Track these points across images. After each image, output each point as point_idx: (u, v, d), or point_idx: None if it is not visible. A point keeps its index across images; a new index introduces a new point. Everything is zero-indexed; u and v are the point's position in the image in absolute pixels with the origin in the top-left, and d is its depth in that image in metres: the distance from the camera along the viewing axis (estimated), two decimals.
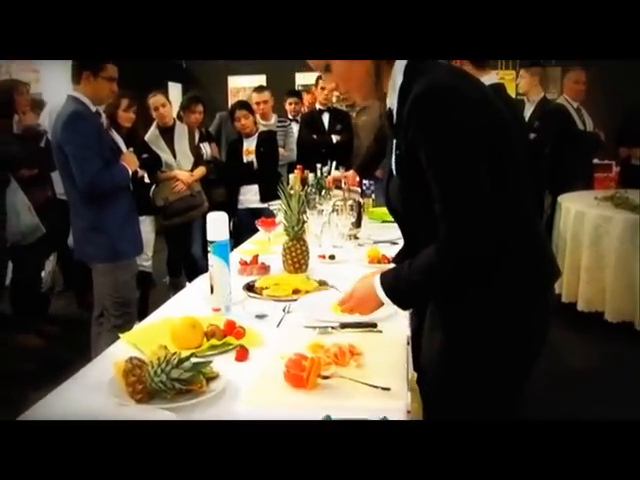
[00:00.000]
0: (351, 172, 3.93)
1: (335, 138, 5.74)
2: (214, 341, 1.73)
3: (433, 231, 1.41)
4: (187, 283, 4.89)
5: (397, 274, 1.54)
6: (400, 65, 1.48)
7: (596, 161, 5.88)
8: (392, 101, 1.53)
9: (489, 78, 2.68)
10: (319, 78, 5.73)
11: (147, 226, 4.58)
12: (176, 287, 4.90)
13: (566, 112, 5.54)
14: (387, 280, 1.54)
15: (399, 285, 1.52)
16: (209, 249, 2.00)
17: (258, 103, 5.60)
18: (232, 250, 2.21)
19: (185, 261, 5.17)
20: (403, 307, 1.61)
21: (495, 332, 1.47)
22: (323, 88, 5.73)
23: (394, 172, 1.56)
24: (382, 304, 1.59)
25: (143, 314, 3.81)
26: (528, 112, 5.57)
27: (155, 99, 4.89)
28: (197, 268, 4.77)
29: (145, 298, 4.70)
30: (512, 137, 1.47)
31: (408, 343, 1.79)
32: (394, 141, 1.52)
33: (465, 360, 1.50)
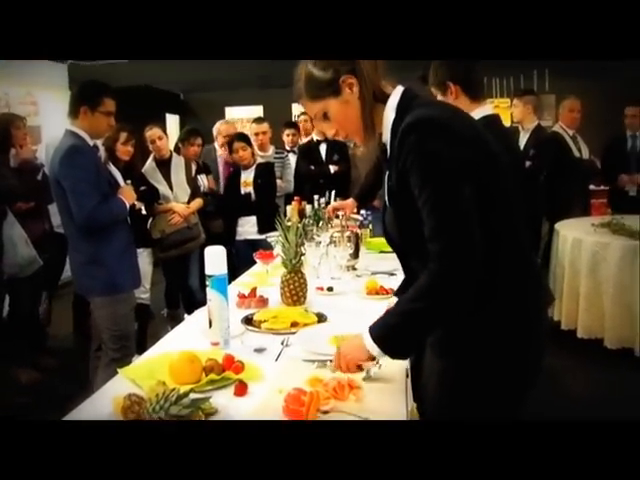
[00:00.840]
0: (350, 200, 3.96)
1: (333, 168, 5.78)
2: (213, 376, 1.73)
3: (424, 257, 1.44)
4: (185, 315, 4.90)
5: (385, 321, 1.54)
6: (392, 103, 1.54)
7: (592, 187, 5.91)
8: (386, 137, 1.58)
9: (484, 109, 2.71)
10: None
11: (145, 258, 4.59)
12: (174, 319, 4.90)
13: (562, 140, 5.60)
14: (375, 330, 1.53)
15: (389, 332, 1.51)
16: (207, 283, 2.01)
17: (257, 134, 5.66)
18: (230, 282, 2.21)
19: (183, 293, 5.17)
20: (399, 355, 1.56)
21: (491, 360, 1.49)
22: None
23: (387, 203, 1.60)
24: (372, 358, 1.57)
25: (141, 347, 3.81)
26: (523, 140, 5.62)
27: (152, 132, 4.94)
28: (195, 300, 4.78)
29: (143, 330, 4.68)
30: (501, 170, 1.50)
31: (407, 375, 1.79)
32: (387, 173, 1.56)
33: (463, 388, 1.53)
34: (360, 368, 1.63)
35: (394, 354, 1.53)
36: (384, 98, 1.56)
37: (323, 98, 1.57)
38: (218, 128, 5.87)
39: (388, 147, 1.56)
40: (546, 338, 1.56)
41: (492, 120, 2.70)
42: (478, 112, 2.65)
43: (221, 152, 5.77)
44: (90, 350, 3.60)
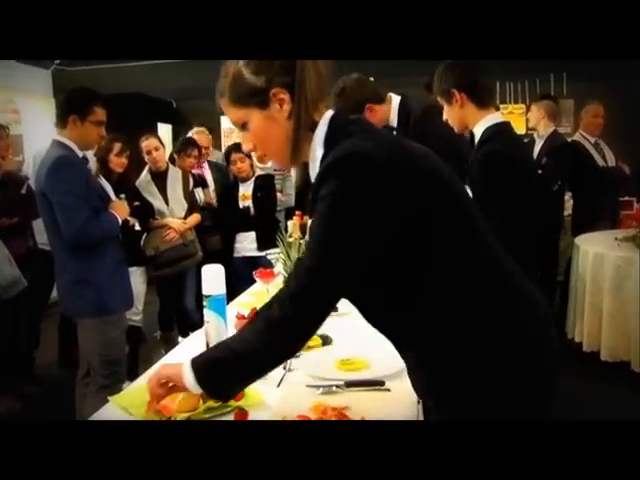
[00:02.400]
0: None
1: None
2: (211, 403, 1.72)
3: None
4: (180, 338, 4.89)
5: (211, 355, 1.50)
6: (320, 134, 1.44)
7: (622, 198, 5.89)
8: (313, 173, 1.46)
9: (493, 117, 2.72)
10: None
11: (137, 277, 4.60)
12: (168, 342, 4.90)
13: (582, 149, 5.60)
14: (198, 361, 1.48)
15: (212, 368, 1.46)
16: (204, 304, 2.01)
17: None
18: (228, 303, 2.22)
19: (177, 314, 5.17)
20: (217, 396, 1.52)
21: (491, 395, 1.43)
22: None
23: None
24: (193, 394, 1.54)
25: (133, 372, 3.81)
26: (537, 148, 5.62)
27: (148, 142, 4.96)
28: (190, 322, 4.79)
29: (135, 354, 4.69)
30: (455, 197, 1.42)
31: (419, 401, 1.79)
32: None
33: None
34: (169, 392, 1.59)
35: (211, 393, 1.49)
36: (313, 126, 1.44)
37: (246, 106, 1.45)
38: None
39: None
40: (556, 359, 1.52)
41: (502, 128, 2.71)
42: (487, 120, 2.67)
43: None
44: (77, 377, 3.58)
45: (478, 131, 2.71)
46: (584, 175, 5.44)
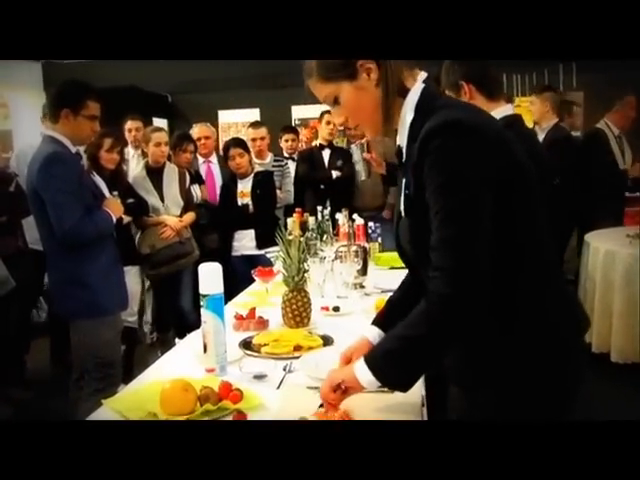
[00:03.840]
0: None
1: (335, 174, 5.81)
2: (208, 406, 1.74)
3: None
4: (177, 339, 4.90)
5: (382, 347, 1.54)
6: (412, 101, 1.54)
7: (626, 194, 5.87)
8: (402, 138, 1.58)
9: (504, 109, 2.73)
10: (325, 112, 5.85)
11: (132, 277, 4.61)
12: (164, 344, 4.90)
13: (602, 137, 5.53)
14: (371, 356, 1.53)
15: (386, 360, 1.50)
16: (201, 303, 2.02)
17: (254, 139, 5.70)
18: (226, 303, 2.23)
19: (174, 315, 5.18)
20: (397, 386, 1.55)
21: (527, 389, 1.47)
22: (329, 122, 5.86)
23: (402, 213, 1.60)
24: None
25: (128, 375, 3.81)
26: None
27: (159, 135, 4.97)
28: (187, 322, 4.79)
29: (130, 357, 4.70)
30: (527, 179, 1.50)
31: (423, 405, 1.80)
32: (403, 180, 1.56)
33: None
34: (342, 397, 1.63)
35: (391, 384, 1.53)
36: (404, 92, 1.56)
37: (336, 80, 1.56)
38: (191, 132, 5.89)
39: (404, 150, 1.57)
40: (585, 363, 1.55)
41: (513, 121, 2.71)
42: (497, 113, 2.67)
43: (202, 160, 5.85)
44: (70, 380, 3.58)
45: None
46: (599, 166, 5.39)
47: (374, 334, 1.84)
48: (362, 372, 1.52)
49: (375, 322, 1.89)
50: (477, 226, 1.38)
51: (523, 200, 1.48)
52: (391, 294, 1.96)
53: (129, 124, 5.90)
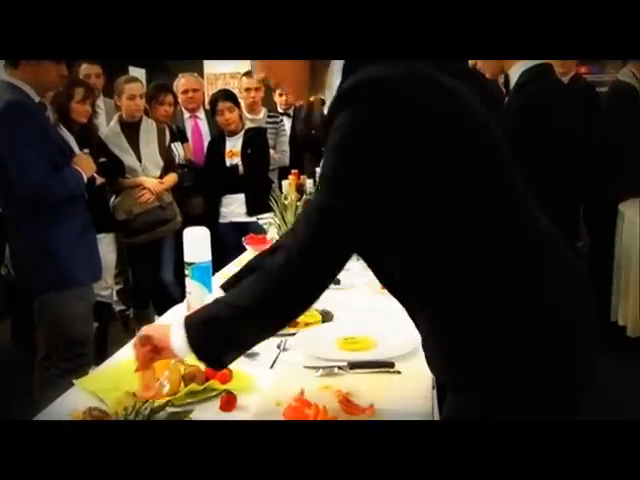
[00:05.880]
0: None
1: None
2: (194, 386, 1.75)
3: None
4: (156, 316, 4.92)
5: (206, 311, 1.52)
6: (338, 63, 1.46)
7: None
8: (329, 105, 1.49)
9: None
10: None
11: (106, 246, 4.63)
12: (142, 321, 4.91)
13: (624, 90, 5.46)
14: (191, 320, 1.50)
15: (208, 325, 1.48)
16: (186, 272, 2.03)
17: (249, 89, 5.69)
18: (213, 274, 2.23)
19: (153, 288, 5.19)
20: (210, 358, 1.52)
21: (525, 372, 1.46)
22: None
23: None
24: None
25: (101, 355, 3.83)
26: None
27: (134, 86, 4.93)
28: (168, 297, 4.80)
29: (103, 335, 4.73)
30: (491, 149, 1.44)
31: (434, 387, 1.82)
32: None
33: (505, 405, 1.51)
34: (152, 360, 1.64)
35: (203, 354, 1.50)
36: None
37: None
38: (176, 83, 5.83)
39: None
40: (596, 333, 1.53)
41: (543, 70, 2.68)
42: (527, 61, 2.65)
43: (187, 114, 5.80)
44: (35, 361, 3.60)
45: (515, 74, 2.70)
46: (629, 124, 5.31)
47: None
48: (176, 333, 1.49)
49: (225, 285, 1.83)
50: (353, 201, 1.34)
51: (483, 172, 1.42)
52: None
53: (85, 69, 5.35)
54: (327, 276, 1.40)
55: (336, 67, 1.47)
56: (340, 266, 1.40)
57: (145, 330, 1.66)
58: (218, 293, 1.79)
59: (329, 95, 1.50)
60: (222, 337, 1.47)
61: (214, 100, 5.31)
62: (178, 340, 1.48)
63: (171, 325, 1.52)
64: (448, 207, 1.38)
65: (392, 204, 1.36)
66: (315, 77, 1.50)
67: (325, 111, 1.50)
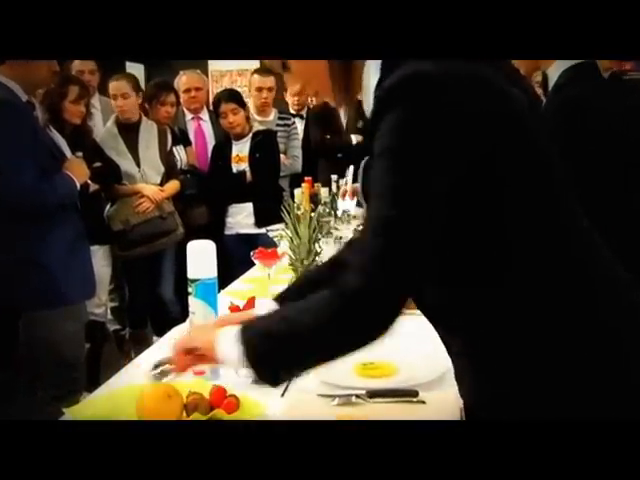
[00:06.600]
0: None
1: (355, 139, 5.79)
2: (197, 416, 1.75)
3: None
4: (154, 337, 4.92)
5: (266, 325, 1.51)
6: (375, 62, 1.49)
7: None
8: (368, 106, 1.52)
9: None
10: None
11: (100, 259, 4.64)
12: (139, 341, 4.92)
13: None
14: (251, 331, 1.48)
15: (264, 333, 1.47)
16: (189, 290, 2.03)
17: (260, 89, 5.71)
18: (219, 291, 2.23)
19: (152, 306, 5.19)
20: (271, 377, 1.49)
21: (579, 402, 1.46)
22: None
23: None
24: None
25: (93, 380, 3.84)
26: None
27: (113, 85, 4.97)
28: (167, 315, 4.81)
29: (96, 358, 4.72)
30: (538, 147, 1.46)
31: (462, 417, 1.80)
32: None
33: None
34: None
35: (261, 370, 1.47)
36: None
37: None
38: (177, 81, 5.85)
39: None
40: None
41: (587, 70, 2.67)
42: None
43: (190, 116, 5.82)
44: (19, 386, 3.58)
45: (554, 73, 2.68)
46: None
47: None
48: (229, 345, 1.47)
49: (279, 297, 1.85)
50: (419, 211, 1.33)
51: (537, 184, 1.42)
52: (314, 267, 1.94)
53: (77, 64, 5.38)
54: (403, 289, 1.38)
55: (373, 66, 1.49)
56: (413, 278, 1.39)
57: (188, 339, 1.67)
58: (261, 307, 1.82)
59: (366, 96, 1.53)
60: (283, 354, 1.46)
61: (217, 101, 5.30)
62: (231, 353, 1.46)
63: (218, 335, 1.52)
64: (499, 214, 1.38)
65: (452, 208, 1.35)
66: (352, 79, 1.53)
67: (366, 112, 1.54)
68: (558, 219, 1.44)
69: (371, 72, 1.50)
